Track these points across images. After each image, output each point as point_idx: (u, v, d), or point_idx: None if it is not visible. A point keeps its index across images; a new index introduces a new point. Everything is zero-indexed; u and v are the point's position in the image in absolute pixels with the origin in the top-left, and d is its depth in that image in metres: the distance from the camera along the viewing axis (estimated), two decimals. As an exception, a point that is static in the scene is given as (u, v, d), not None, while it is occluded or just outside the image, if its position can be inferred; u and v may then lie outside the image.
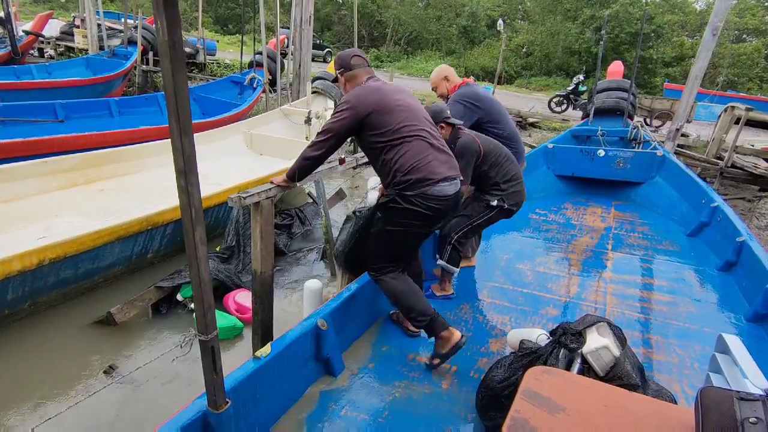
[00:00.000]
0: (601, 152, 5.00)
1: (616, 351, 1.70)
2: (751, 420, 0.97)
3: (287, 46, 8.33)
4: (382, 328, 2.61)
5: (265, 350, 1.89)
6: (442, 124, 2.74)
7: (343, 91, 2.44)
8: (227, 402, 1.51)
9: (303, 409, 2.01)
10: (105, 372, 2.59)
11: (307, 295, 2.86)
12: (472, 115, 3.17)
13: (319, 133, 2.26)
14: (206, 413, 1.51)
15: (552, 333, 1.89)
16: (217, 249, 3.75)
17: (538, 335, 2.04)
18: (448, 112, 2.81)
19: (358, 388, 2.16)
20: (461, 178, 2.31)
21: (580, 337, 1.80)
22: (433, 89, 3.49)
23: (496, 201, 2.88)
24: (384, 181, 2.27)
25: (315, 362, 2.18)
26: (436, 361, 2.28)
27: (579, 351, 1.75)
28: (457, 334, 2.23)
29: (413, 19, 28.98)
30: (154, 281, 3.25)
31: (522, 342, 2.07)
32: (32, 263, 2.67)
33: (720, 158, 6.83)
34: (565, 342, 1.78)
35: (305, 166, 2.32)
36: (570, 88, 13.63)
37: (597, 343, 1.72)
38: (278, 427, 1.92)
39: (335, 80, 2.49)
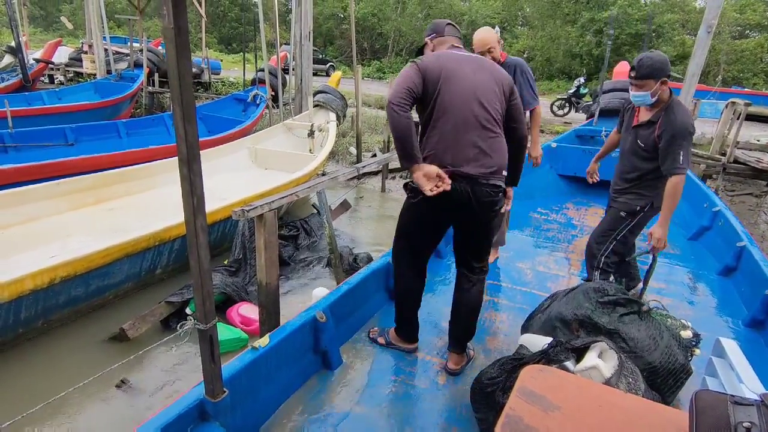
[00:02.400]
0: None
1: (607, 373, 1.70)
2: (744, 425, 0.96)
3: (288, 62, 8.50)
4: (381, 322, 2.64)
5: (263, 341, 1.92)
6: (665, 79, 2.32)
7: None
8: (224, 391, 1.54)
9: (300, 401, 2.04)
10: (117, 386, 2.65)
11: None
12: None
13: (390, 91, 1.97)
14: (203, 401, 1.55)
15: (549, 345, 1.91)
16: (225, 263, 3.82)
17: (544, 343, 2.06)
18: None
19: (355, 381, 2.19)
20: (497, 180, 1.96)
21: (574, 353, 1.82)
22: (485, 52, 2.90)
23: (639, 205, 2.46)
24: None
25: (313, 354, 2.20)
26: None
27: (565, 364, 1.77)
28: (406, 346, 2.39)
29: (413, 30, 29.22)
30: (164, 297, 3.32)
31: (520, 347, 2.10)
32: (44, 282, 2.75)
33: (724, 154, 6.80)
34: (553, 355, 1.81)
35: (397, 132, 1.88)
36: (571, 91, 13.65)
37: (589, 362, 1.73)
38: (275, 417, 1.95)
39: (419, 51, 2.31)
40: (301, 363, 2.14)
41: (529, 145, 2.80)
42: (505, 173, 2.03)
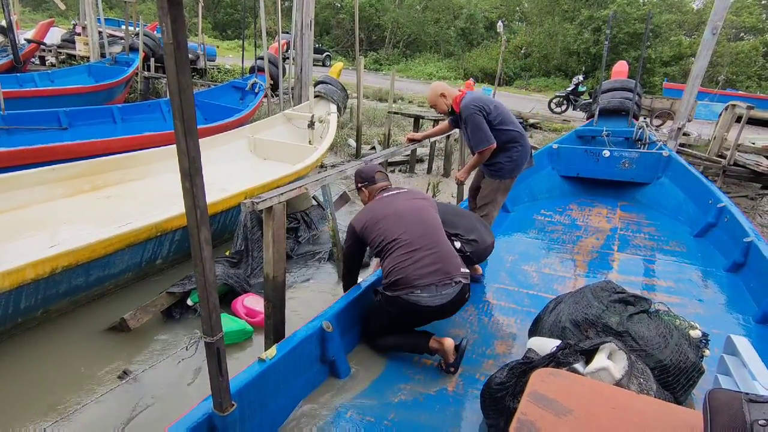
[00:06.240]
0: (606, 153, 4.99)
1: (618, 374, 1.69)
2: (760, 422, 0.95)
3: (287, 51, 8.35)
4: None
5: (271, 352, 1.91)
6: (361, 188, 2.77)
7: (364, 201, 2.73)
8: (233, 404, 1.52)
9: (308, 412, 2.01)
10: (119, 377, 2.60)
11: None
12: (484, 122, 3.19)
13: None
14: (212, 415, 1.52)
15: (558, 348, 1.90)
16: (227, 253, 3.76)
17: (553, 346, 2.04)
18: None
19: (364, 389, 2.17)
20: (462, 274, 2.32)
21: (583, 355, 1.80)
22: (432, 107, 3.51)
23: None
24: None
25: (320, 364, 2.19)
26: (452, 369, 2.32)
27: (575, 367, 1.76)
28: (448, 342, 2.29)
29: (411, 22, 29.04)
30: (164, 287, 3.26)
31: (528, 350, 2.09)
32: (45, 271, 2.68)
33: (722, 156, 6.84)
34: (562, 358, 1.79)
35: (347, 281, 2.66)
36: (570, 88, 13.67)
37: (598, 364, 1.71)
38: (283, 429, 1.93)
39: (358, 189, 2.80)
40: (308, 373, 2.12)
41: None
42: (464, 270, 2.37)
